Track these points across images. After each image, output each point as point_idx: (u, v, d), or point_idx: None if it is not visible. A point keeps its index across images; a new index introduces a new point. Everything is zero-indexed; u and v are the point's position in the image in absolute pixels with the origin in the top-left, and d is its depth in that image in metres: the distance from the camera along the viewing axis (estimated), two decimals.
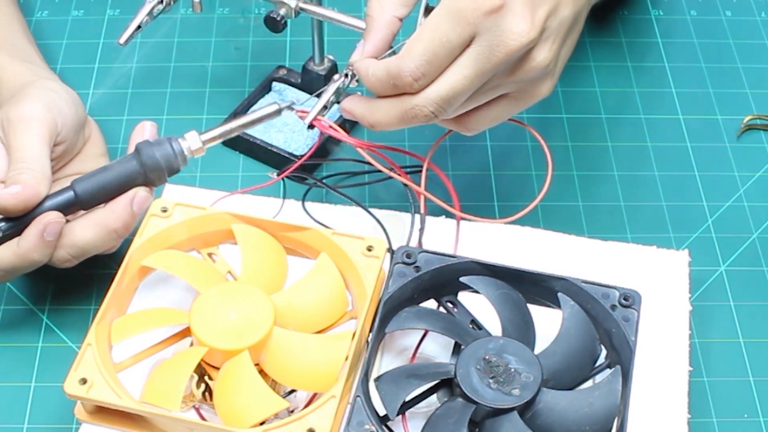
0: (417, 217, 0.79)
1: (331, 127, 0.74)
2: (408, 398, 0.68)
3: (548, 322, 0.71)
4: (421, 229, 0.77)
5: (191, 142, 0.73)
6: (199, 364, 0.68)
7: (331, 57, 0.88)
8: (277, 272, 0.74)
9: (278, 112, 0.74)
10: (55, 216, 0.71)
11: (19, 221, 0.71)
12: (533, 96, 0.72)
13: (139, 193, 0.72)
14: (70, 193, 0.72)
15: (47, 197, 0.72)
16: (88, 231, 0.72)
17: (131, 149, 0.73)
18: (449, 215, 0.81)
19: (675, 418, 0.72)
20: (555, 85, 0.72)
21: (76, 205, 0.72)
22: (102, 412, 0.69)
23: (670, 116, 0.93)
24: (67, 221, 0.72)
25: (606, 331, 0.70)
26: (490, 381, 0.66)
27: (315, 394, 0.70)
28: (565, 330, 0.70)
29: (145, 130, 0.75)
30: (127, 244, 0.74)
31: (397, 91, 0.69)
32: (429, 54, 0.67)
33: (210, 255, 0.76)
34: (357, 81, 0.75)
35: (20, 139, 0.73)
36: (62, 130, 0.75)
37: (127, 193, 0.72)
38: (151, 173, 0.72)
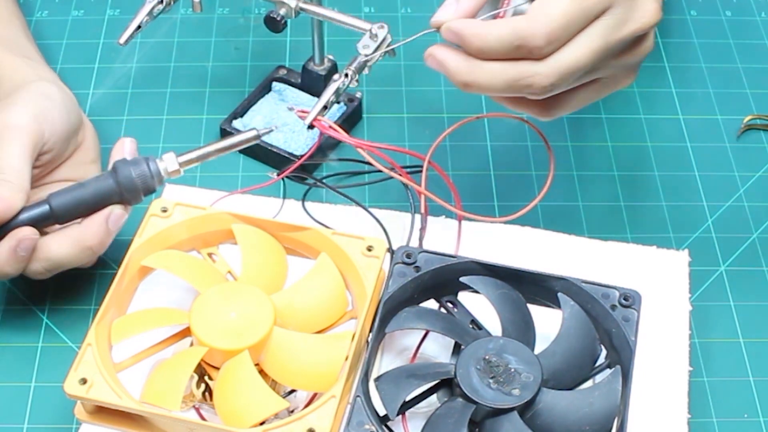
0: (417, 217, 0.79)
1: (331, 127, 0.74)
2: (408, 398, 0.68)
3: (548, 322, 0.71)
4: (422, 229, 0.77)
5: (168, 163, 0.74)
6: (199, 364, 0.68)
7: (331, 57, 0.88)
8: (277, 272, 0.74)
9: (257, 137, 0.75)
10: (29, 232, 0.71)
11: None
12: (620, 84, 0.70)
13: (115, 211, 0.73)
14: (46, 207, 0.72)
15: (23, 209, 0.72)
16: (63, 246, 0.72)
17: (110, 166, 0.74)
18: (449, 215, 0.81)
19: (675, 418, 0.72)
20: None
21: (50, 219, 0.72)
22: (102, 412, 0.69)
23: (670, 116, 0.92)
24: (46, 233, 0.72)
25: (606, 331, 0.70)
26: (490, 381, 0.66)
27: (315, 394, 0.70)
28: (565, 330, 0.70)
29: (125, 147, 0.74)
30: (127, 244, 0.74)
31: (518, 55, 0.65)
32: (567, 18, 0.63)
33: (210, 255, 0.76)
34: (357, 81, 0.75)
35: (2, 148, 0.72)
36: (49, 139, 0.75)
37: (102, 211, 0.72)
38: (127, 193, 0.73)
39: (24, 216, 0.72)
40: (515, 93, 0.66)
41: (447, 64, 0.66)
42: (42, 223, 0.72)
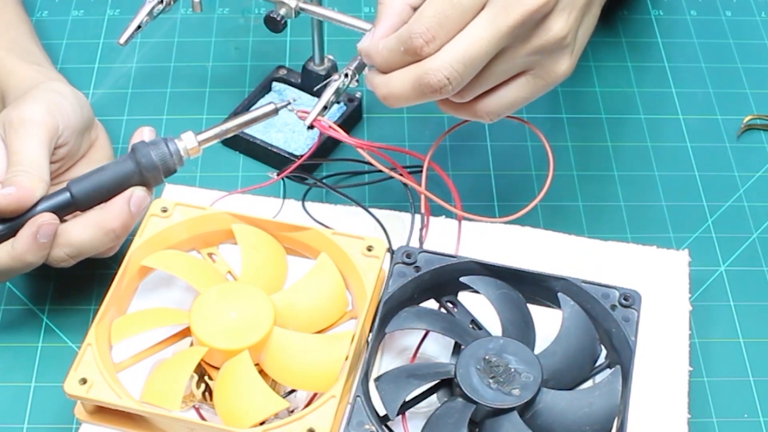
0: (417, 217, 0.79)
1: (331, 127, 0.74)
2: (408, 398, 0.68)
3: (548, 322, 0.71)
4: (422, 229, 0.77)
5: (187, 142, 0.73)
6: (199, 364, 0.68)
7: (331, 57, 0.88)
8: (277, 272, 0.74)
9: (275, 111, 0.75)
10: (49, 218, 0.70)
11: (13, 222, 0.71)
12: (552, 73, 0.69)
13: (136, 192, 0.72)
14: (66, 195, 0.72)
15: (43, 199, 0.72)
16: (85, 231, 0.72)
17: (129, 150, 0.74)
18: (449, 215, 0.81)
19: (675, 418, 0.72)
20: (574, 67, 0.70)
21: (72, 206, 0.72)
22: (102, 412, 0.69)
23: (670, 116, 0.92)
24: (66, 221, 0.72)
25: (606, 331, 0.70)
26: (490, 381, 0.66)
27: (315, 394, 0.70)
28: (565, 330, 0.70)
29: (143, 135, 0.74)
30: (127, 244, 0.74)
31: (411, 60, 0.67)
32: (440, 15, 0.65)
33: (210, 255, 0.76)
34: (357, 81, 0.75)
35: (19, 142, 0.73)
36: (64, 132, 0.75)
37: (123, 193, 0.72)
38: (147, 173, 0.72)
39: (44, 204, 0.71)
40: (424, 95, 0.67)
41: (371, 82, 0.70)
42: (64, 211, 0.72)
